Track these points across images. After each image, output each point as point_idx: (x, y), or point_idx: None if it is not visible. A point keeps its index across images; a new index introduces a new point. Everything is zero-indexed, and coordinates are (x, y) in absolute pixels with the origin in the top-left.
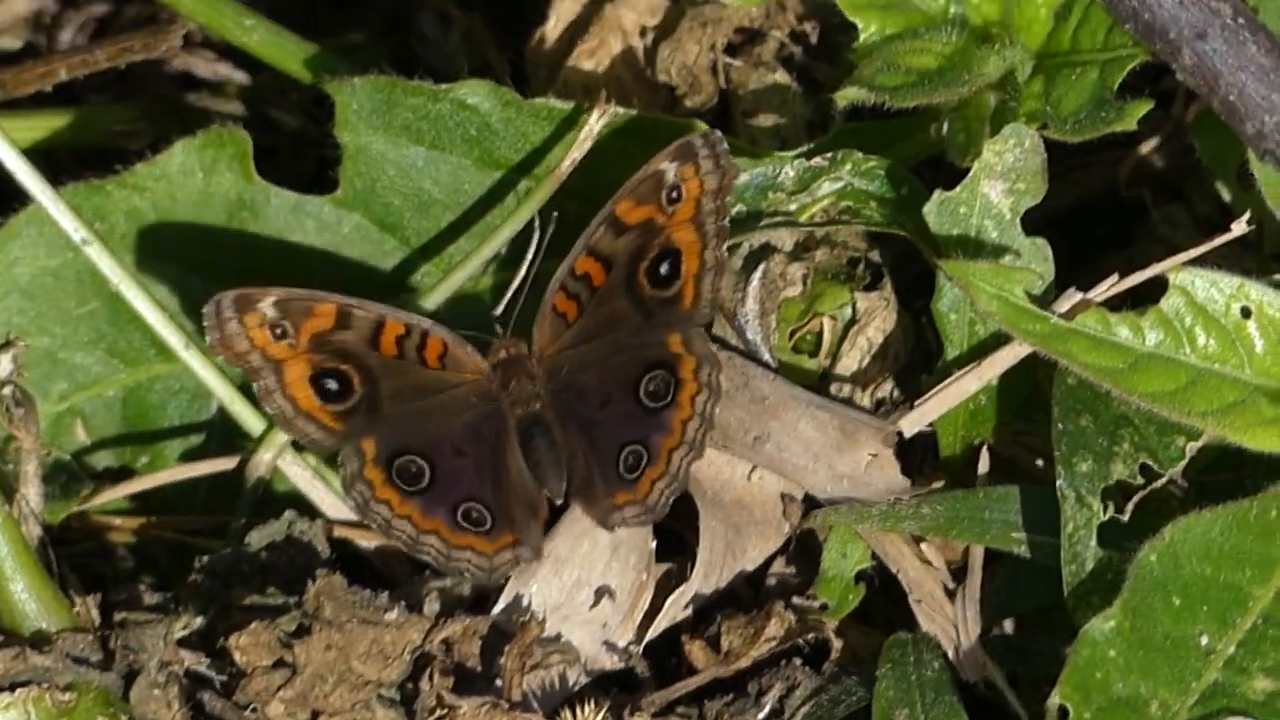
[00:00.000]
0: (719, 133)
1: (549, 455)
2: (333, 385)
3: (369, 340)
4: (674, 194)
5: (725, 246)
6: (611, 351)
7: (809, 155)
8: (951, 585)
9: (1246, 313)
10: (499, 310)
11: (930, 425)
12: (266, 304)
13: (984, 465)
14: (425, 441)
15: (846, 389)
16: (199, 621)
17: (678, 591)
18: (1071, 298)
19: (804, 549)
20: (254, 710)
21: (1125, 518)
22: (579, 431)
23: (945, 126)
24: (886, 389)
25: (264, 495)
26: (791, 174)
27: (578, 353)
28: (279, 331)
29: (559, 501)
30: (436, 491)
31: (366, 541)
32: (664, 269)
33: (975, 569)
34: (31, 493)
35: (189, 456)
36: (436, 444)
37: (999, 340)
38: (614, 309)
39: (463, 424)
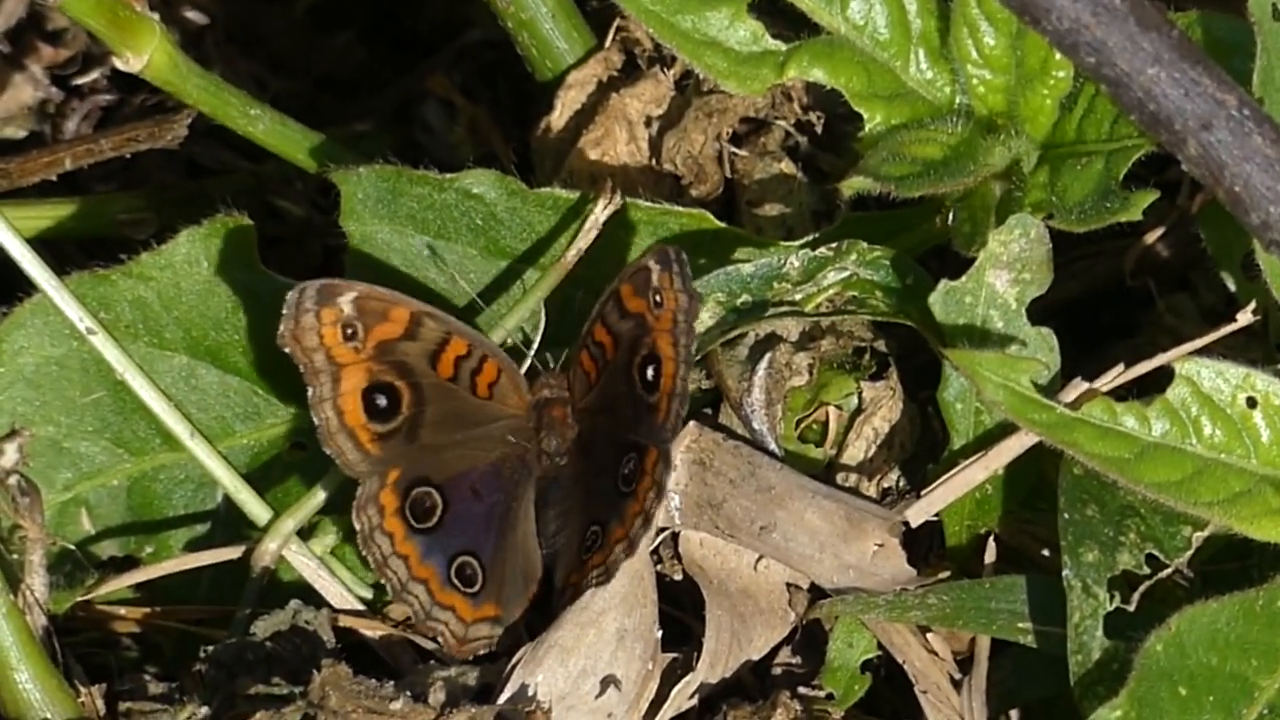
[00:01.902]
0: (684, 254)
1: (556, 515)
2: (382, 401)
3: (430, 356)
4: (658, 297)
5: (689, 376)
6: (614, 426)
7: (814, 245)
8: (958, 675)
9: (1252, 403)
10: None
11: (936, 515)
12: (346, 300)
13: (990, 555)
14: (448, 476)
15: (853, 478)
16: (204, 711)
17: (684, 681)
18: (1077, 387)
19: (810, 638)
20: None
21: (1131, 607)
22: (580, 497)
23: (951, 216)
24: (892, 478)
25: (269, 585)
26: (797, 264)
27: (596, 416)
28: (349, 332)
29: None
30: (441, 535)
31: (372, 631)
32: (649, 373)
33: (981, 659)
34: (36, 582)
35: (194, 546)
36: (457, 481)
37: (1005, 430)
38: (619, 389)
39: (489, 462)
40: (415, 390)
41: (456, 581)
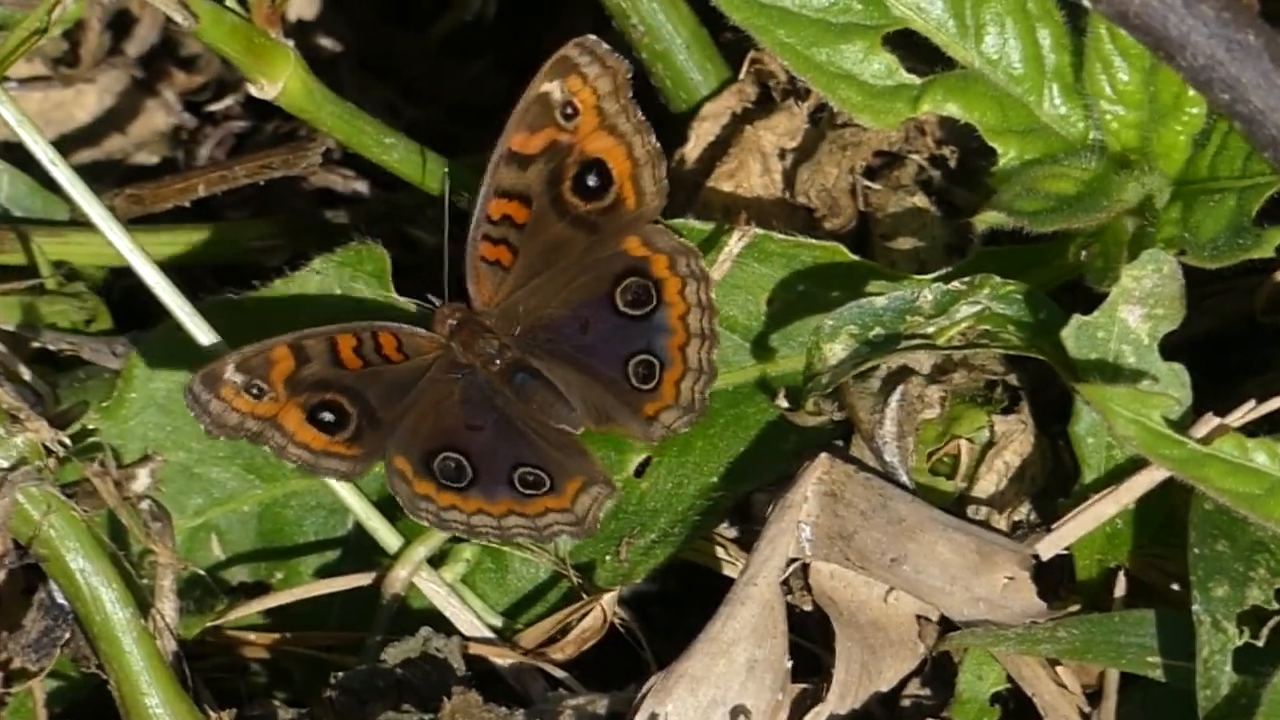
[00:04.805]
0: (592, 36)
1: (548, 394)
2: (329, 417)
3: (332, 362)
4: (569, 110)
5: (653, 137)
6: (567, 280)
7: (947, 279)
8: (1087, 709)
9: None
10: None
11: (1067, 549)
12: (230, 372)
13: (1120, 589)
14: (446, 434)
15: (983, 511)
16: None
17: (813, 712)
18: (1208, 423)
19: (939, 670)
20: None
21: (1261, 643)
22: (571, 364)
23: (1083, 251)
24: (1023, 512)
25: (400, 612)
26: (930, 297)
27: (531, 292)
28: (255, 392)
29: (579, 431)
30: (484, 475)
31: (502, 659)
32: (591, 181)
33: (1110, 693)
34: (167, 607)
35: (324, 572)
36: (455, 432)
37: (1136, 464)
38: (552, 238)
39: (461, 403)
40: (347, 392)
41: (531, 491)
